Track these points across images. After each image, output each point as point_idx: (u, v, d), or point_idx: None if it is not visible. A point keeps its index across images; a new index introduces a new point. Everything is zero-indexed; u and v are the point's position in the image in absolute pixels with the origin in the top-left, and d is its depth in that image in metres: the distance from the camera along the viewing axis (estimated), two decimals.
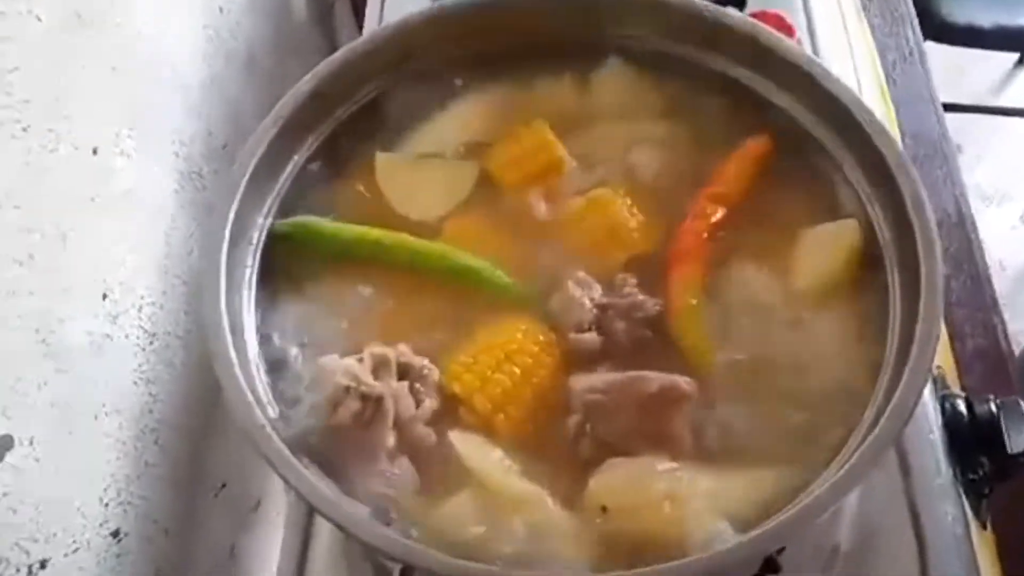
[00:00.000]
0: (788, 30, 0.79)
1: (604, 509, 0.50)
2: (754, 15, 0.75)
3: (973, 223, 0.83)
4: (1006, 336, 0.77)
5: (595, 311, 0.57)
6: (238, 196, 0.56)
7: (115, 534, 0.62)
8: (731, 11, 0.64)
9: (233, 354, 0.52)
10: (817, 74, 0.60)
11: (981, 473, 0.65)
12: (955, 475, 0.65)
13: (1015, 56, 1.82)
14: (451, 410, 0.54)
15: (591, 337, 0.56)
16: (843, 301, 0.58)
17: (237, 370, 0.51)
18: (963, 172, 0.89)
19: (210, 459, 0.76)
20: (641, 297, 0.57)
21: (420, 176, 0.64)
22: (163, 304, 0.69)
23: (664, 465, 0.51)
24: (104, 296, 0.62)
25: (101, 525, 0.61)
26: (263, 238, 0.59)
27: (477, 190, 0.64)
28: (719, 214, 0.61)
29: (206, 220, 0.72)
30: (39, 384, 0.55)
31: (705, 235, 0.60)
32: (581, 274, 0.58)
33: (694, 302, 0.58)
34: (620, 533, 0.50)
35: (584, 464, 0.52)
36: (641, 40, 0.66)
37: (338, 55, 0.63)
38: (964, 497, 0.64)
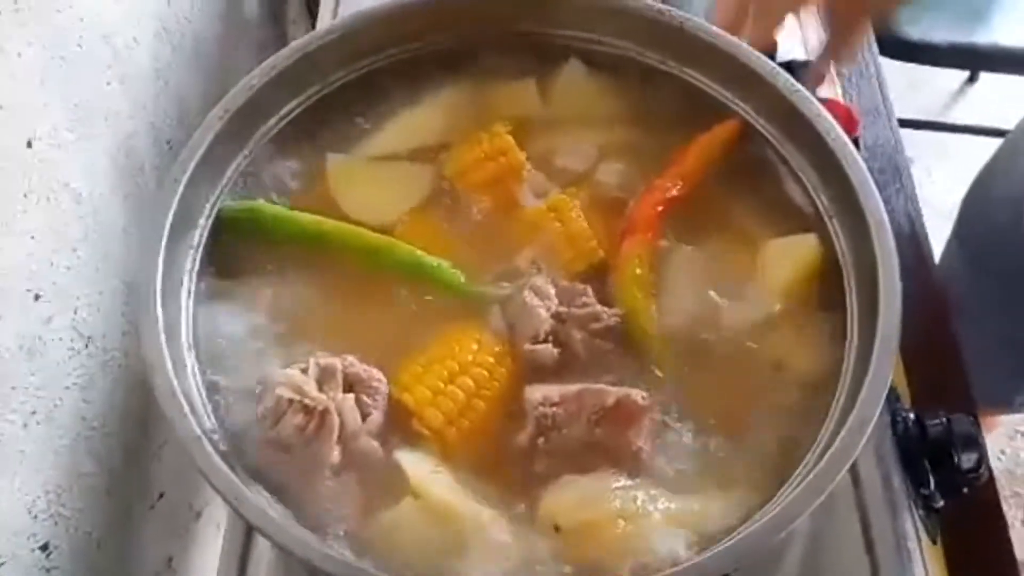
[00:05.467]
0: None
1: (557, 528, 0.49)
2: None
3: (926, 238, 0.84)
4: (957, 350, 0.77)
5: (552, 321, 0.55)
6: (177, 196, 0.54)
7: (44, 547, 0.59)
8: (692, 17, 0.64)
9: (169, 364, 0.49)
10: (781, 85, 0.59)
11: (931, 488, 0.65)
12: (906, 489, 0.65)
13: (965, 73, 1.86)
14: (400, 422, 0.52)
15: (547, 348, 0.55)
16: (799, 314, 0.57)
17: (173, 379, 0.48)
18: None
19: (148, 468, 0.73)
20: (599, 307, 0.56)
21: (374, 179, 0.62)
22: (100, 306, 0.66)
23: (619, 482, 0.50)
24: (37, 297, 0.59)
25: (29, 538, 0.58)
26: (204, 240, 0.57)
27: (433, 194, 0.62)
28: (675, 191, 0.60)
29: (146, 220, 0.69)
30: None
31: (660, 208, 0.60)
32: (538, 282, 0.57)
33: (639, 271, 0.57)
34: (573, 552, 0.48)
35: (538, 481, 0.51)
36: (602, 43, 0.65)
37: (291, 49, 0.61)
38: (915, 511, 0.64)
